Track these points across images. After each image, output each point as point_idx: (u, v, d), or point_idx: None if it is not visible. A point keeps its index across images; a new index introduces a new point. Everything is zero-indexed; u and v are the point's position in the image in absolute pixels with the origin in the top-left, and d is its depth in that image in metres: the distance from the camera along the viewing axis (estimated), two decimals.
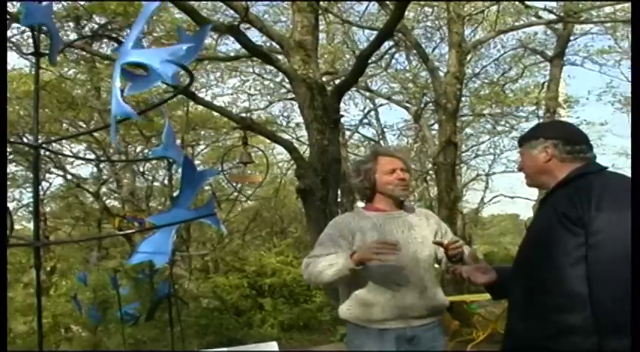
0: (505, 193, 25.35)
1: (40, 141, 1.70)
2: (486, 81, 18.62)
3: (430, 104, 17.10)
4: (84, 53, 10.69)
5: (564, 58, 16.75)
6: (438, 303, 3.37)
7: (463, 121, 19.63)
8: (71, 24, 10.94)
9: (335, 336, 9.77)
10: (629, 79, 15.80)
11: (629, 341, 2.03)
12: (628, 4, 12.03)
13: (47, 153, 16.25)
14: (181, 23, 11.78)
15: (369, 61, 10.38)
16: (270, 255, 13.84)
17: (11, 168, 18.10)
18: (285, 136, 16.15)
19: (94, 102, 15.54)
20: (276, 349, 4.01)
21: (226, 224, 19.14)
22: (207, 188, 16.33)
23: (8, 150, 15.54)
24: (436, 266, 3.48)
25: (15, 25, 9.12)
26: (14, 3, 9.12)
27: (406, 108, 19.08)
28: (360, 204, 3.67)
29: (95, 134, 16.22)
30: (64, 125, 16.45)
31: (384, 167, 3.38)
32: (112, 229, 16.10)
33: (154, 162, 19.26)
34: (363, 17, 15.32)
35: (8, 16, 8.18)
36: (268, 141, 13.49)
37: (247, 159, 9.39)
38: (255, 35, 10.88)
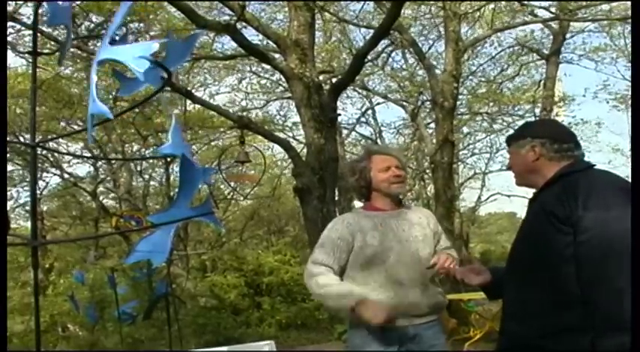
0: (502, 191, 25.31)
1: (36, 140, 1.69)
2: (483, 79, 18.64)
3: (427, 102, 17.10)
4: (80, 52, 10.67)
5: (560, 56, 16.76)
6: (439, 301, 3.38)
7: (460, 120, 19.64)
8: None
9: (332, 335, 9.78)
10: (626, 76, 15.86)
11: (622, 339, 2.03)
12: (623, 3, 12.06)
13: (44, 152, 16.26)
14: (179, 21, 11.79)
15: (366, 59, 10.38)
16: (268, 253, 13.84)
17: (8, 167, 18.08)
18: (282, 135, 16.16)
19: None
20: (274, 348, 4.01)
21: (224, 223, 19.17)
22: (204, 187, 16.30)
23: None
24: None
25: (11, 24, 9.11)
26: (9, 2, 9.11)
27: (403, 106, 19.10)
28: (358, 203, 3.67)
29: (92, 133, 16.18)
30: (62, 124, 16.43)
31: (378, 165, 3.38)
32: (109, 228, 16.10)
33: (150, 161, 19.27)
34: (360, 16, 15.32)
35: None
36: (265, 140, 13.49)
37: (244, 158, 9.40)
38: (251, 34, 10.88)
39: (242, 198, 17.84)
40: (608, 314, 2.08)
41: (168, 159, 16.13)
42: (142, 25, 11.56)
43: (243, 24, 9.57)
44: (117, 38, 1.42)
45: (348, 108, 23.76)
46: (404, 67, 18.14)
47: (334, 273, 3.29)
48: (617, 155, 21.60)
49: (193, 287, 14.83)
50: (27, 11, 9.94)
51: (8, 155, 16.42)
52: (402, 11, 9.70)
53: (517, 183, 2.69)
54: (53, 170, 19.11)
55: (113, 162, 18.27)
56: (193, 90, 13.03)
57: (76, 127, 16.78)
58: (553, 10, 13.95)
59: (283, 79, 11.68)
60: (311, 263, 3.36)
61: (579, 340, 2.17)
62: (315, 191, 8.54)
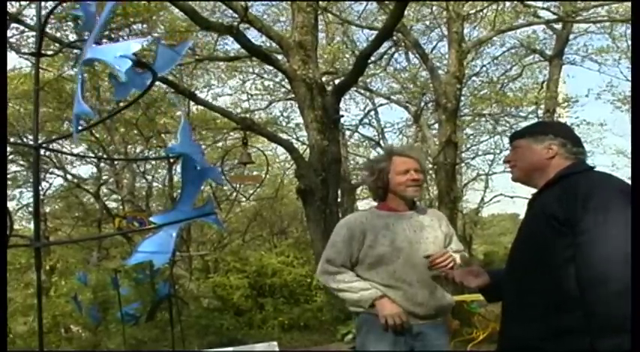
0: (505, 193, 25.24)
1: (39, 142, 1.69)
2: (486, 80, 18.61)
3: (430, 104, 17.10)
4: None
5: (563, 58, 16.74)
6: (446, 303, 3.41)
7: (463, 121, 19.62)
8: (70, 24, 10.92)
9: (335, 336, 9.76)
10: (629, 78, 15.83)
11: (621, 340, 2.02)
12: (625, 4, 12.04)
13: (47, 153, 16.28)
14: (181, 23, 11.79)
15: (369, 60, 10.37)
16: (271, 255, 13.84)
17: (12, 168, 18.12)
18: (285, 136, 16.16)
19: (94, 101, 15.53)
20: (277, 349, 4.01)
21: (226, 224, 19.17)
22: (206, 188, 16.31)
23: (8, 150, 15.55)
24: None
25: (14, 25, 9.12)
26: (13, 3, 9.13)
27: (406, 107, 19.07)
28: (361, 204, 3.69)
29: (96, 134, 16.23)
30: (65, 125, 16.44)
31: (398, 167, 3.39)
32: (112, 229, 16.11)
33: (153, 162, 19.29)
34: (362, 16, 15.32)
35: (7, 17, 8.19)
36: (268, 141, 13.49)
37: (247, 159, 9.41)
38: (254, 35, 10.88)
39: (245, 200, 17.81)
40: (607, 315, 2.07)
41: (172, 160, 16.14)
42: (145, 26, 11.57)
43: (246, 25, 9.57)
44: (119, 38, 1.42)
45: (351, 109, 23.78)
46: (407, 68, 18.12)
47: (348, 270, 3.36)
48: (620, 156, 21.54)
49: (196, 288, 14.81)
50: (30, 12, 9.95)
51: (11, 156, 16.47)
52: (405, 12, 9.68)
53: (515, 178, 2.68)
54: (56, 171, 19.15)
55: (116, 163, 18.29)
56: (197, 92, 13.05)
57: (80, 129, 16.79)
58: (555, 11, 13.94)
59: (286, 81, 11.68)
60: (325, 261, 3.42)
61: (579, 342, 2.16)
62: (317, 192, 8.54)
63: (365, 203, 19.92)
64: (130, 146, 18.08)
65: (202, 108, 13.90)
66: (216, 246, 20.60)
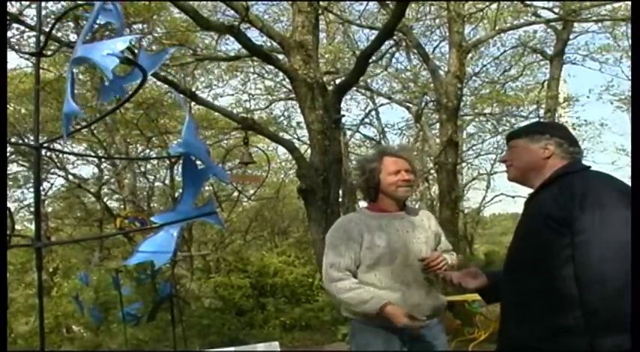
0: (506, 193, 25.26)
1: (40, 142, 1.69)
2: (487, 80, 18.61)
3: (431, 103, 17.09)
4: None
5: (564, 57, 16.74)
6: (441, 303, 3.43)
7: (464, 121, 19.63)
8: (71, 24, 10.92)
9: (337, 336, 9.76)
10: (630, 77, 15.81)
11: (620, 340, 2.03)
12: (626, 3, 12.03)
13: (49, 153, 16.28)
14: (182, 22, 11.79)
15: (370, 60, 10.37)
16: (272, 255, 13.85)
17: (13, 168, 18.14)
18: (287, 136, 16.16)
19: (95, 102, 15.53)
20: (278, 349, 4.01)
21: (228, 224, 19.17)
22: (208, 188, 16.32)
23: (9, 150, 15.56)
24: None
25: (15, 25, 9.12)
26: (14, 3, 9.12)
27: (407, 107, 19.07)
28: (363, 204, 3.67)
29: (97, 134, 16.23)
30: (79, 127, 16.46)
31: (388, 167, 3.38)
32: (113, 230, 16.12)
33: (154, 162, 19.29)
34: (363, 16, 15.31)
35: (8, 17, 8.19)
36: (269, 141, 13.49)
37: (248, 159, 9.40)
38: (255, 35, 10.87)
39: (246, 199, 17.83)
40: (606, 315, 2.07)
41: (173, 160, 16.14)
42: (145, 26, 11.58)
43: (247, 25, 9.56)
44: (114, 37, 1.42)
45: (352, 109, 23.75)
46: (408, 68, 18.12)
47: (353, 276, 3.33)
48: (621, 156, 21.52)
49: (197, 288, 14.82)
50: (31, 12, 9.95)
51: (12, 156, 16.48)
52: (406, 12, 9.68)
53: (511, 177, 2.68)
54: (58, 171, 19.16)
55: (118, 163, 18.30)
56: (197, 92, 13.04)
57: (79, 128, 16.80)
58: (556, 10, 13.94)
59: (287, 80, 11.67)
60: (329, 267, 3.38)
61: (577, 342, 2.17)
62: (319, 192, 8.53)
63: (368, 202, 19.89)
64: (131, 146, 18.08)
65: (203, 108, 13.89)
66: (218, 245, 20.62)
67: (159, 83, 13.37)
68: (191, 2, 9.21)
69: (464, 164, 22.50)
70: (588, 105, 33.50)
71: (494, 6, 13.76)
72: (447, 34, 13.42)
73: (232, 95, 18.78)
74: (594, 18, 14.51)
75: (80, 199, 20.65)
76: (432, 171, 16.41)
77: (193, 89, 13.15)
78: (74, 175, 19.77)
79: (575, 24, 15.71)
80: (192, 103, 12.82)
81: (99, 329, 10.62)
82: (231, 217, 20.02)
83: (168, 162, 17.62)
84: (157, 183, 21.15)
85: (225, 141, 18.05)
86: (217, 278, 13.37)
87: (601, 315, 2.08)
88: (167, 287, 5.24)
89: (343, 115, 9.76)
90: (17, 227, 16.75)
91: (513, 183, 2.71)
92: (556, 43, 16.44)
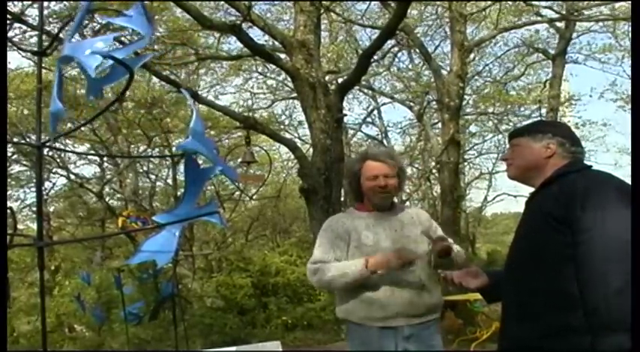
0: (508, 192, 25.27)
1: (42, 141, 1.69)
2: (489, 79, 18.61)
3: (433, 103, 17.09)
4: None
5: (566, 56, 16.72)
6: (436, 301, 3.38)
7: (466, 120, 19.62)
8: (72, 23, 10.95)
9: (339, 335, 9.77)
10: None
11: (622, 339, 2.02)
12: (627, 3, 12.03)
13: (50, 153, 16.29)
14: (184, 22, 11.79)
15: (372, 59, 10.37)
16: (274, 254, 13.84)
17: (15, 168, 18.16)
18: (288, 135, 16.16)
19: (97, 101, 15.54)
20: (280, 348, 4.01)
21: (230, 223, 19.17)
22: (210, 188, 16.34)
23: (11, 150, 15.57)
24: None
25: (17, 24, 9.13)
26: (15, 3, 9.13)
27: (409, 107, 19.07)
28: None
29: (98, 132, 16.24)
30: (68, 125, 16.46)
31: (368, 172, 3.36)
32: (115, 229, 16.13)
33: (156, 161, 19.30)
34: (366, 16, 15.32)
35: (10, 16, 8.20)
36: (271, 140, 13.49)
37: (250, 158, 9.39)
38: (257, 34, 10.88)
39: (248, 199, 17.83)
40: (607, 314, 2.06)
41: (175, 159, 16.14)
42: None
43: (249, 24, 9.57)
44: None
45: (355, 108, 23.73)
46: (410, 67, 18.13)
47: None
48: (624, 155, 21.51)
49: (199, 287, 14.83)
50: (33, 12, 9.95)
51: (15, 156, 16.48)
52: (408, 11, 9.68)
53: (512, 176, 2.67)
54: (60, 171, 19.17)
55: (119, 162, 18.31)
56: (199, 91, 13.06)
57: (82, 128, 16.81)
58: (558, 9, 13.93)
59: (289, 80, 11.67)
60: (310, 263, 3.40)
61: (579, 341, 2.16)
62: (321, 191, 8.53)
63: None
64: (132, 146, 18.08)
65: (205, 107, 13.90)
66: (220, 245, 20.61)
67: (160, 82, 13.38)
68: (193, 2, 9.21)
69: (466, 163, 22.50)
70: (590, 104, 33.40)
71: (496, 6, 13.76)
72: (449, 33, 13.42)
73: (234, 94, 18.79)
74: (595, 17, 14.51)
75: (82, 199, 20.66)
76: (434, 171, 16.40)
77: (195, 88, 13.16)
78: (76, 175, 19.79)
79: (577, 23, 15.70)
80: (194, 102, 12.83)
81: (101, 328, 10.64)
82: (233, 217, 20.03)
83: (170, 161, 17.63)
84: (158, 183, 21.18)
85: (227, 141, 18.07)
86: (219, 278, 13.36)
87: (602, 314, 2.07)
88: (169, 287, 5.24)
89: (345, 114, 9.77)
90: (19, 226, 16.79)
91: (515, 183, 2.70)
92: (558, 43, 16.43)
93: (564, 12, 13.73)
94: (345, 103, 9.81)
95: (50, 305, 11.85)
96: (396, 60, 17.63)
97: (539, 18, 14.64)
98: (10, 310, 12.77)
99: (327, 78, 10.99)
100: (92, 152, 17.76)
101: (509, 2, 13.81)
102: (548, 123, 2.99)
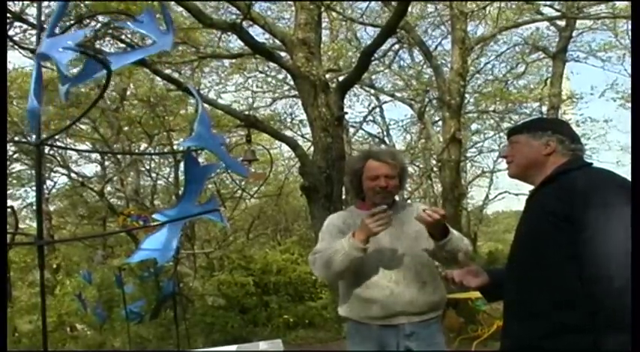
0: (510, 190, 25.23)
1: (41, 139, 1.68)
2: (490, 78, 18.61)
3: (434, 101, 17.08)
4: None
5: (567, 55, 16.71)
6: (438, 299, 3.35)
7: (467, 118, 19.61)
8: (73, 22, 10.96)
9: (340, 334, 9.76)
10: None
11: (625, 338, 2.01)
12: (627, 2, 12.03)
13: (52, 151, 16.30)
14: (185, 20, 11.79)
15: (373, 57, 10.36)
16: (275, 252, 13.84)
17: (16, 166, 18.17)
18: (289, 134, 16.15)
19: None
20: (282, 347, 4.01)
21: (231, 222, 19.17)
22: (210, 186, 16.33)
23: (13, 149, 15.58)
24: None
25: (17, 24, 9.13)
26: (15, 2, 9.14)
27: (410, 105, 19.05)
28: None
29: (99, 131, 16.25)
30: (69, 123, 16.45)
31: (369, 172, 3.34)
32: (116, 228, 16.13)
33: (158, 159, 19.29)
34: (366, 14, 15.30)
35: (10, 15, 8.21)
36: (272, 138, 13.49)
37: (251, 156, 9.39)
38: (257, 32, 10.88)
39: (249, 197, 17.82)
40: (610, 313, 2.06)
41: (177, 158, 16.15)
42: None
43: (250, 23, 9.56)
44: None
45: (355, 106, 23.70)
46: (411, 65, 18.12)
47: None
48: (625, 153, 21.49)
49: (201, 286, 14.84)
50: (33, 11, 9.95)
51: (16, 155, 16.49)
52: (409, 9, 9.67)
53: (512, 173, 2.67)
54: (61, 170, 19.18)
55: (121, 161, 18.31)
56: (200, 90, 13.06)
57: (83, 127, 16.83)
58: (559, 7, 13.92)
59: (290, 78, 11.67)
60: (311, 254, 3.40)
61: (581, 340, 2.15)
62: (322, 189, 8.53)
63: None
64: (134, 144, 18.09)
65: (206, 105, 13.90)
66: (221, 243, 20.60)
67: (161, 81, 13.39)
68: (194, 1, 9.21)
69: (467, 161, 22.48)
70: (592, 102, 33.41)
71: (496, 4, 13.75)
72: (450, 31, 13.42)
73: (235, 93, 18.79)
74: (595, 15, 14.50)
75: (83, 197, 20.67)
76: (435, 169, 16.38)
77: (196, 87, 13.15)
78: (77, 173, 19.80)
79: (578, 22, 15.69)
80: (200, 98, 12.82)
81: (102, 327, 10.66)
82: (234, 215, 20.03)
83: (171, 159, 17.63)
84: (160, 181, 21.17)
85: (228, 139, 18.04)
86: (220, 276, 13.35)
87: (605, 313, 2.07)
88: (170, 285, 5.24)
89: (346, 113, 9.76)
90: (21, 225, 16.77)
91: (517, 181, 2.69)
92: (559, 41, 16.43)
93: (565, 10, 13.71)
94: (345, 101, 9.80)
95: (51, 305, 11.86)
96: (397, 58, 17.65)
97: (539, 16, 14.62)
98: (11, 309, 12.79)
99: (327, 76, 10.98)
100: (91, 149, 17.72)
101: (510, 1, 13.81)
102: (547, 120, 2.99)
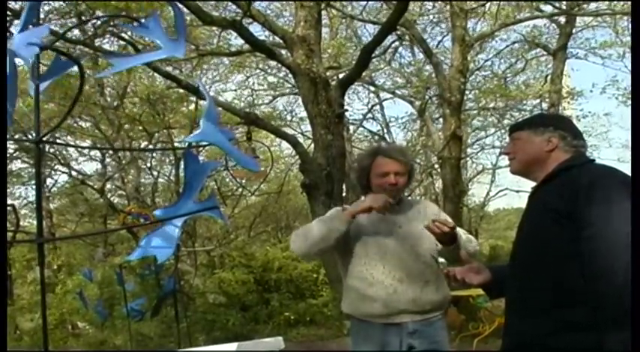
0: (511, 187, 25.19)
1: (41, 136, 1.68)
2: (490, 75, 18.59)
3: (434, 98, 17.06)
4: (87, 49, 10.71)
5: (567, 51, 16.69)
6: (441, 297, 3.34)
7: (468, 115, 19.59)
8: (74, 20, 10.95)
9: (341, 331, 9.77)
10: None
11: (628, 336, 2.00)
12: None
13: (52, 150, 16.29)
14: (185, 17, 11.77)
15: (373, 55, 10.35)
16: (276, 250, 13.84)
17: (17, 164, 18.14)
18: (290, 131, 16.15)
19: (98, 97, 15.55)
20: (283, 344, 4.00)
21: (232, 219, 19.17)
22: (211, 184, 16.32)
23: (13, 147, 15.58)
24: (441, 260, 3.42)
25: (17, 22, 9.12)
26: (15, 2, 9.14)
27: (410, 102, 19.04)
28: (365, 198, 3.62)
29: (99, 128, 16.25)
30: (70, 121, 16.47)
31: (378, 168, 3.31)
32: (117, 226, 16.13)
33: (158, 157, 19.28)
34: (366, 11, 15.29)
35: (10, 13, 8.21)
36: (273, 136, 13.48)
37: (252, 154, 9.39)
38: (257, 30, 10.88)
39: (250, 194, 17.81)
40: (613, 310, 2.05)
41: (178, 156, 16.15)
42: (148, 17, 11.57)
43: (249, 20, 9.56)
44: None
45: (356, 103, 23.68)
46: (411, 62, 18.11)
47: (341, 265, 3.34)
48: (627, 150, 21.47)
49: (202, 283, 14.85)
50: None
51: (16, 153, 16.49)
52: (409, 7, 9.66)
53: (514, 170, 2.65)
54: (61, 168, 19.15)
55: (121, 158, 18.30)
56: (200, 87, 13.04)
57: (83, 124, 16.82)
58: (558, 4, 13.92)
59: (290, 76, 11.66)
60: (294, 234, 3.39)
61: (584, 337, 2.14)
62: (322, 187, 8.53)
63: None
64: (134, 142, 18.06)
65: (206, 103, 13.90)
66: (222, 241, 20.59)
67: (162, 78, 13.38)
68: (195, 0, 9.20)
69: (468, 158, 22.46)
70: (593, 99, 33.37)
71: (496, 1, 13.75)
72: (450, 28, 13.41)
73: (236, 91, 18.78)
74: (595, 12, 14.49)
75: (84, 195, 20.65)
76: (436, 166, 16.39)
77: (197, 85, 13.15)
78: (78, 171, 19.77)
79: (577, 18, 15.68)
80: (196, 98, 12.81)
81: (103, 325, 10.66)
82: (234, 213, 20.03)
83: (172, 157, 17.62)
84: (161, 179, 21.14)
85: None
86: (221, 274, 13.36)
87: (608, 310, 2.06)
88: (171, 283, 5.25)
89: (346, 110, 9.77)
90: (21, 223, 16.77)
91: (518, 178, 2.68)
92: (559, 38, 16.41)
93: (564, 7, 13.71)
94: (345, 99, 9.80)
95: (53, 303, 11.86)
96: (397, 55, 17.64)
97: (539, 13, 14.61)
98: (12, 307, 12.80)
99: (328, 73, 10.99)
100: (90, 145, 17.72)
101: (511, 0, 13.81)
102: (549, 116, 2.97)
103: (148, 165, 19.69)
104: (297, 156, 12.84)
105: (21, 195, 19.58)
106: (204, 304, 12.54)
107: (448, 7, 13.14)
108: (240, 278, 12.44)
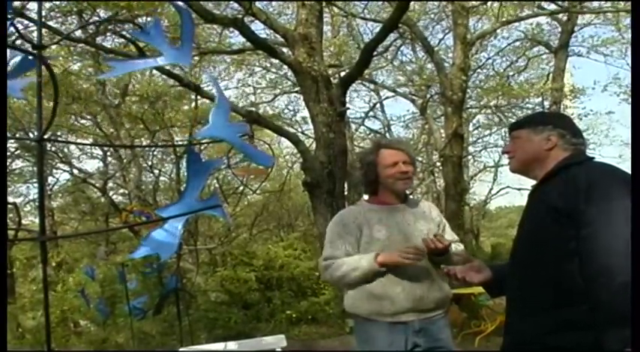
0: (512, 185, 25.23)
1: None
2: (492, 73, 18.58)
3: (436, 96, 17.07)
4: (88, 47, 10.71)
5: (569, 49, 16.68)
6: (445, 295, 3.35)
7: (469, 113, 19.59)
8: (75, 18, 10.97)
9: (343, 329, 9.77)
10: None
11: (627, 334, 2.00)
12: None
13: (54, 148, 16.31)
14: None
15: (374, 53, 10.35)
16: (278, 248, 13.83)
17: (18, 163, 18.17)
18: (291, 129, 16.15)
19: (99, 96, 15.55)
20: (285, 342, 4.01)
21: (233, 218, 19.18)
22: (213, 182, 16.33)
23: (15, 145, 15.58)
24: None
25: (18, 19, 9.12)
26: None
27: (412, 100, 19.05)
28: (366, 196, 3.62)
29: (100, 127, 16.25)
30: (71, 119, 16.49)
31: (385, 160, 3.32)
32: (119, 224, 16.14)
33: (160, 155, 19.29)
34: (367, 9, 15.29)
35: (11, 12, 8.20)
36: (274, 134, 13.49)
37: None
38: (259, 28, 10.87)
39: (251, 193, 17.83)
40: (612, 309, 2.05)
41: (179, 153, 16.15)
42: (149, 19, 11.57)
43: (251, 18, 9.55)
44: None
45: (357, 102, 23.70)
46: (412, 60, 18.10)
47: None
48: (628, 148, 21.46)
49: (203, 282, 14.83)
50: (34, 6, 9.96)
51: (18, 151, 16.50)
52: (411, 5, 9.66)
53: (513, 168, 2.65)
54: (63, 166, 19.17)
55: (123, 157, 18.31)
56: (202, 86, 13.05)
57: (84, 122, 16.83)
58: (560, 2, 13.90)
59: (291, 74, 11.66)
60: (322, 260, 3.37)
61: (583, 336, 2.14)
62: (324, 185, 8.53)
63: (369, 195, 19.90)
64: (136, 140, 18.08)
65: (208, 101, 13.90)
66: (224, 239, 20.60)
67: (163, 76, 13.38)
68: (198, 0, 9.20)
69: (469, 157, 22.47)
70: (594, 97, 33.31)
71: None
72: (452, 26, 13.40)
73: (237, 89, 18.79)
74: (597, 10, 14.48)
75: (85, 194, 20.67)
76: (438, 164, 16.39)
77: (198, 83, 13.15)
78: (79, 170, 19.80)
79: (579, 16, 15.66)
80: (195, 96, 12.82)
81: (105, 323, 10.65)
82: (236, 211, 20.04)
83: (173, 155, 17.63)
84: (162, 178, 21.18)
85: None
86: (223, 272, 13.34)
87: (608, 309, 2.06)
88: (173, 281, 5.25)
89: (348, 108, 9.77)
90: (23, 221, 16.79)
91: (519, 176, 2.68)
92: (560, 36, 16.40)
93: (566, 4, 13.69)
94: (347, 97, 9.79)
95: (55, 301, 11.85)
96: (399, 53, 17.63)
97: (540, 11, 14.60)
98: (14, 305, 12.81)
99: (329, 71, 10.98)
100: (92, 142, 17.73)
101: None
102: (548, 114, 2.96)
103: (149, 163, 19.72)
104: (298, 155, 12.85)
105: (23, 193, 19.62)
106: (206, 302, 12.52)
107: (450, 5, 13.14)
108: (241, 277, 12.42)
